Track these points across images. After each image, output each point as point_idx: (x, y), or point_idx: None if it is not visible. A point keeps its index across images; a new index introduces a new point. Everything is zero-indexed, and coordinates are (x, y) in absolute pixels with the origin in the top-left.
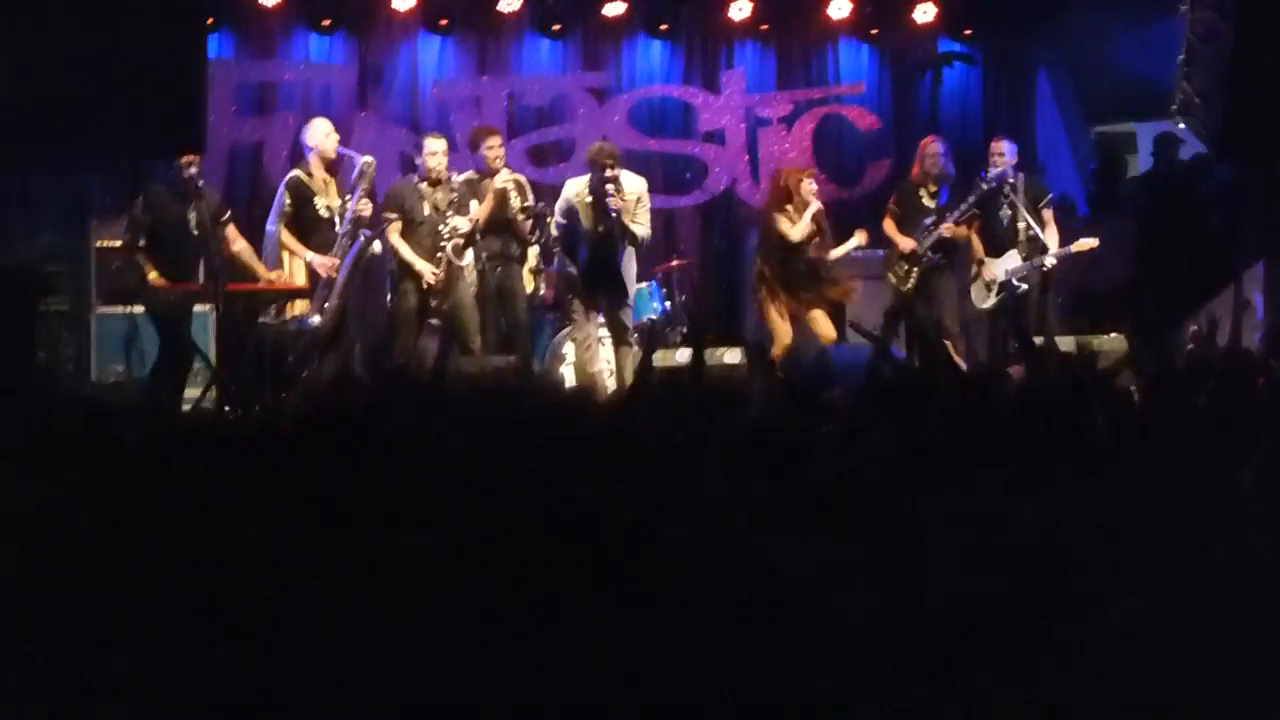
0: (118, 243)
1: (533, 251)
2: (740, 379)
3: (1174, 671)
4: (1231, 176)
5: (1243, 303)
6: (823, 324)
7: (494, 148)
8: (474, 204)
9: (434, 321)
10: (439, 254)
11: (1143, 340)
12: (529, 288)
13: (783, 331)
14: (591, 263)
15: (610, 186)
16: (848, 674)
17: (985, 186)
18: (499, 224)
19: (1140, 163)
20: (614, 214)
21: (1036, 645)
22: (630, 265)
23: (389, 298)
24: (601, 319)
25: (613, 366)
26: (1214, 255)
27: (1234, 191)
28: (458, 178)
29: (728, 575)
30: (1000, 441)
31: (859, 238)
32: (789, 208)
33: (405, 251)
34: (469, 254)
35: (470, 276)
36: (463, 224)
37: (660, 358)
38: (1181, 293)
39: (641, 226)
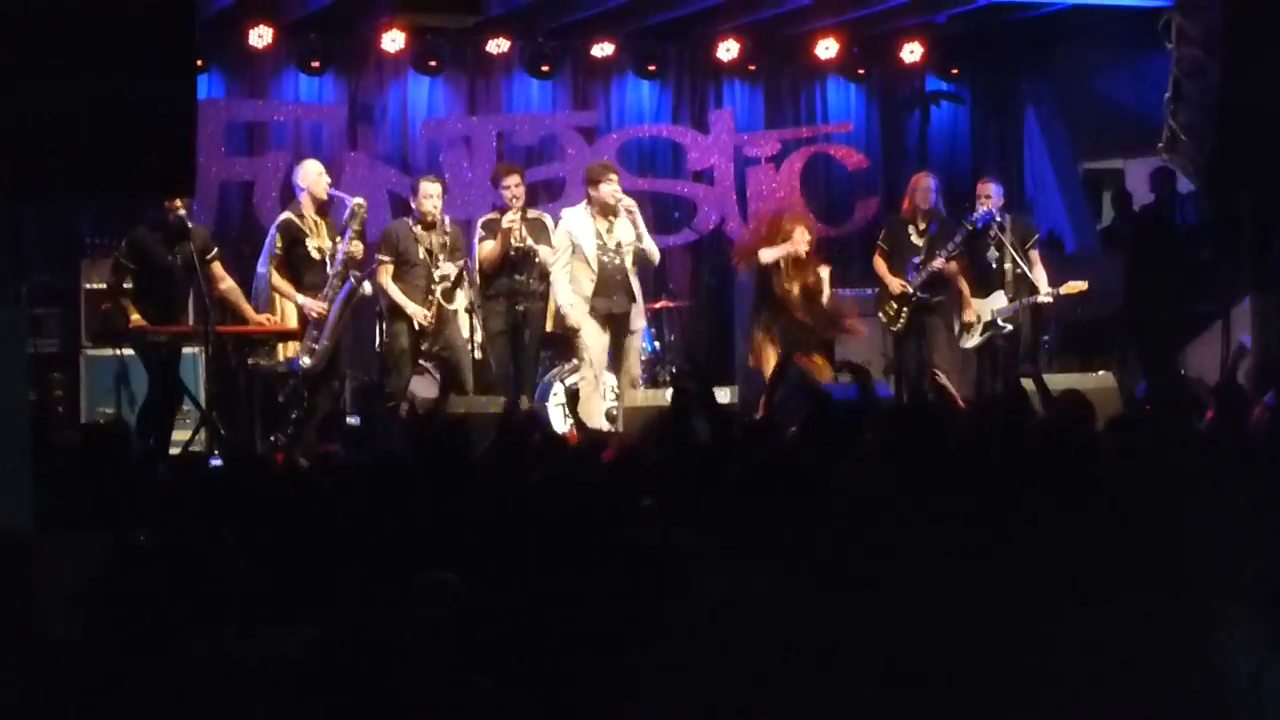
0: (104, 285)
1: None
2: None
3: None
4: (1217, 211)
5: (1238, 348)
6: (819, 366)
7: (511, 186)
8: (490, 243)
9: (424, 363)
10: (430, 296)
11: (1132, 376)
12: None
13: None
14: (603, 284)
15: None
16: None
17: (970, 228)
18: (511, 262)
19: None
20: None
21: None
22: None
23: (379, 338)
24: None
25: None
26: (1203, 290)
27: (1221, 226)
28: (478, 219)
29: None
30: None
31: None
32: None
33: (396, 294)
34: (460, 296)
35: (462, 318)
36: (450, 269)
37: (649, 397)
38: (1173, 328)
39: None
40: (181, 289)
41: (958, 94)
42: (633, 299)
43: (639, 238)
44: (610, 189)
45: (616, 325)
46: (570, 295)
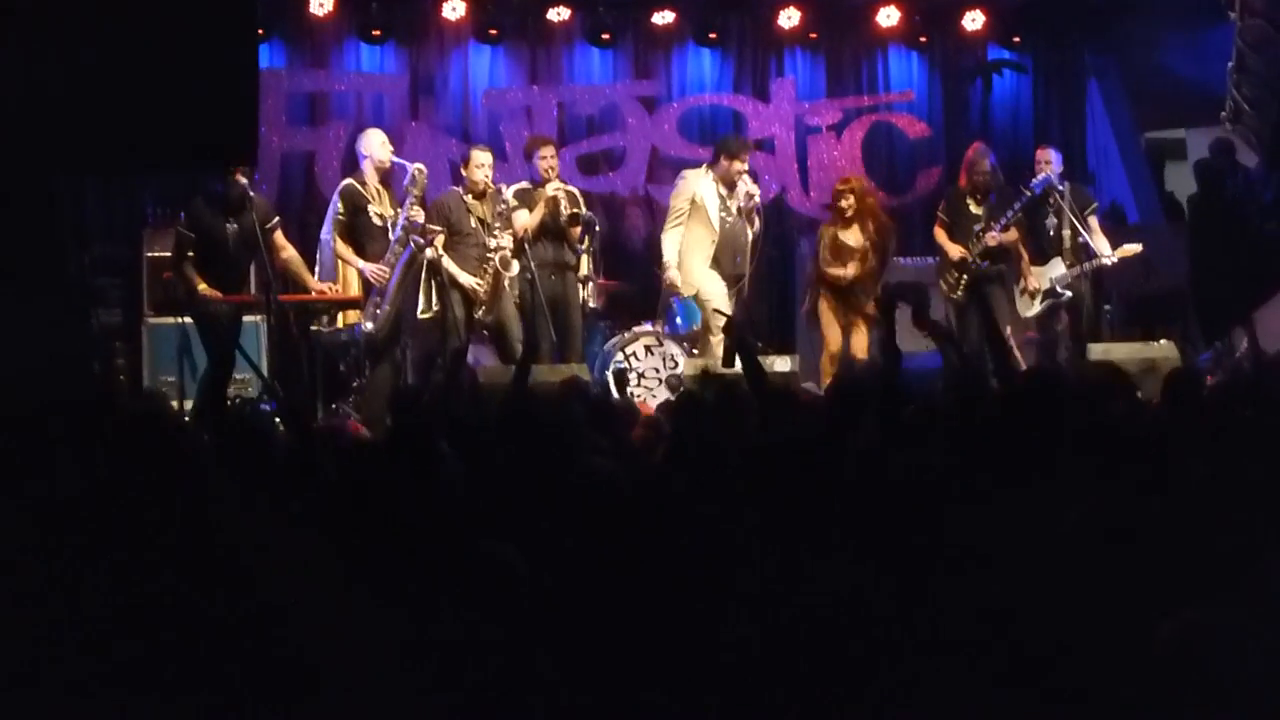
0: (167, 254)
1: (584, 260)
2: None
3: (1223, 682)
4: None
5: None
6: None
7: (547, 157)
8: (524, 213)
9: (484, 333)
10: (485, 265)
11: (1193, 346)
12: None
13: (832, 338)
14: (725, 245)
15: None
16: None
17: (1029, 194)
18: (552, 232)
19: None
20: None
21: (1088, 651)
22: None
23: (428, 305)
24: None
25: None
26: (1266, 261)
27: None
28: (507, 190)
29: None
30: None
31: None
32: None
33: (450, 265)
34: (515, 265)
35: (514, 286)
36: (506, 240)
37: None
38: (1234, 298)
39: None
40: (243, 259)
41: (1019, 63)
42: (746, 264)
43: (750, 221)
44: (742, 166)
45: (733, 285)
46: (674, 255)
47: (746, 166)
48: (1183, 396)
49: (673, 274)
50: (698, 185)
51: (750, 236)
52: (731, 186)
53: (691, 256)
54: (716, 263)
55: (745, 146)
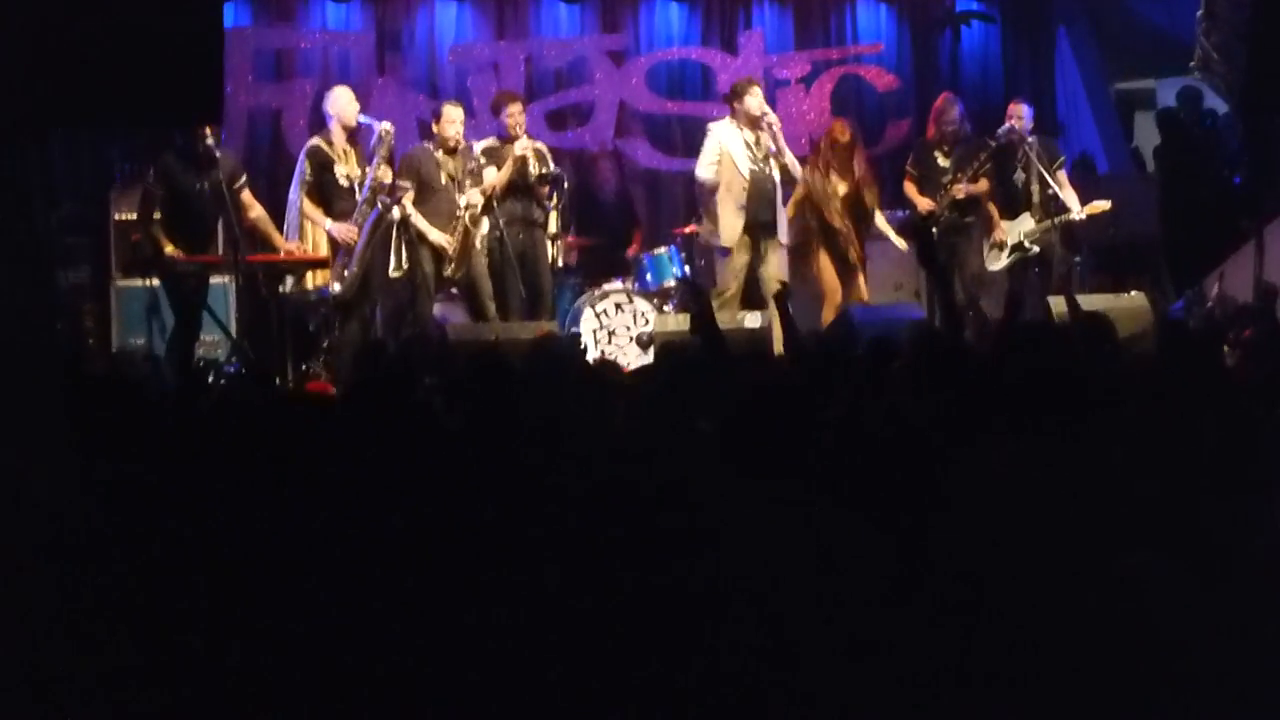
0: (134, 215)
1: (552, 217)
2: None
3: (1168, 629)
4: (1250, 131)
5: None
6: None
7: (514, 114)
8: (492, 170)
9: (454, 290)
10: (454, 222)
11: (1163, 296)
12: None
13: (832, 288)
14: (755, 194)
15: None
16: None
17: (993, 144)
18: (520, 189)
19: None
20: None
21: (1039, 599)
22: None
23: (398, 264)
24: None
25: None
26: (1235, 209)
27: (1255, 146)
28: (477, 146)
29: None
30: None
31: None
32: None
33: (420, 221)
34: (485, 222)
35: (483, 244)
36: (476, 197)
37: (681, 321)
38: (1203, 247)
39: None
40: (210, 218)
41: (988, 13)
42: (775, 211)
43: (780, 152)
44: (756, 102)
45: (761, 234)
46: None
47: (760, 98)
48: (1176, 347)
49: (713, 238)
50: (722, 136)
51: (778, 180)
52: (756, 128)
53: (724, 208)
54: (748, 213)
55: (750, 81)
